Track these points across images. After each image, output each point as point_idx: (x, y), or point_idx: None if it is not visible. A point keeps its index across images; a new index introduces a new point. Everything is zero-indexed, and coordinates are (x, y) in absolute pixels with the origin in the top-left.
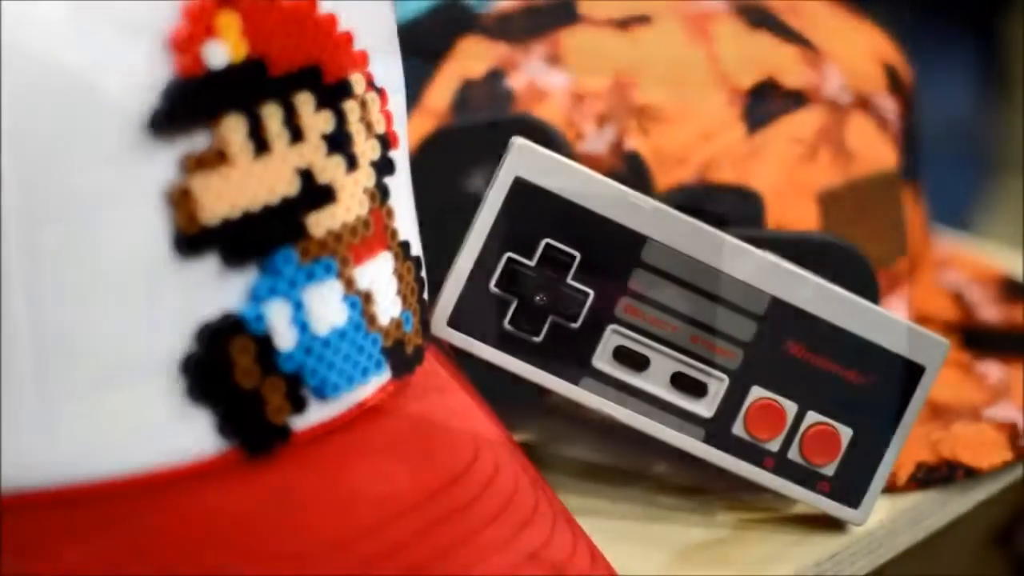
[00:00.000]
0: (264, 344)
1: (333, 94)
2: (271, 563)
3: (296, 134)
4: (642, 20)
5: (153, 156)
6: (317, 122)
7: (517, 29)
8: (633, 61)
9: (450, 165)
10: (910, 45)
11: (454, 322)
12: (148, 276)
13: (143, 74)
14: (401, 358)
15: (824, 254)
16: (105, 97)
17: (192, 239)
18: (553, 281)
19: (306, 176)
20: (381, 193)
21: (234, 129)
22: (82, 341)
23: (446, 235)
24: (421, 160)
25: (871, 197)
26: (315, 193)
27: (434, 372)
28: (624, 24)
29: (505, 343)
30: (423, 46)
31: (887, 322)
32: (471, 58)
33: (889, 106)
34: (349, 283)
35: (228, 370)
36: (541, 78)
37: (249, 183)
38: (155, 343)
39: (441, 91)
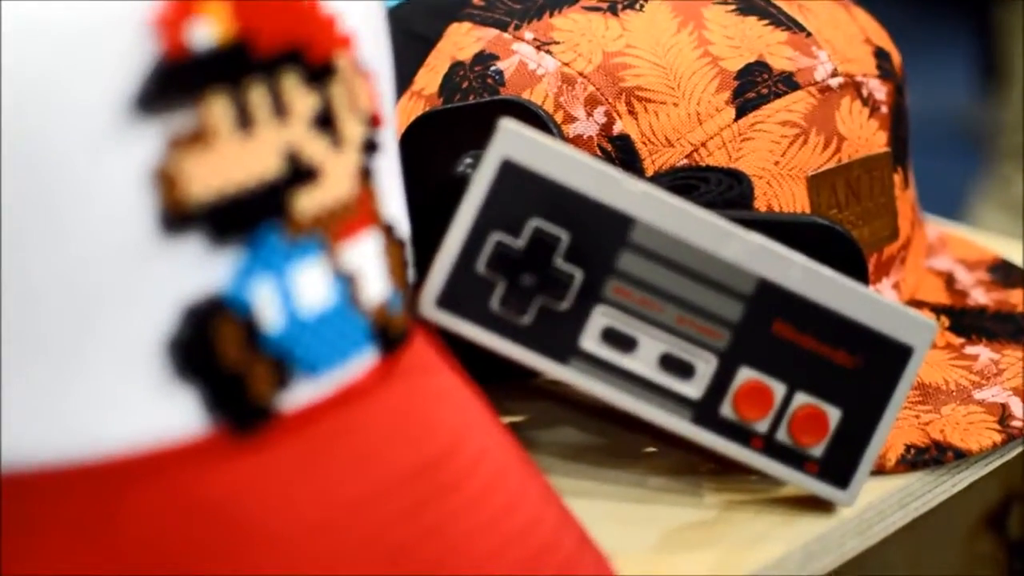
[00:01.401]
0: (250, 324)
1: (318, 75)
2: (257, 542)
3: (281, 114)
4: (632, 4)
5: (139, 136)
6: (302, 103)
7: (507, 12)
8: (623, 45)
9: (439, 147)
10: (906, 34)
11: (442, 303)
12: (134, 255)
13: (128, 54)
14: (388, 338)
15: (813, 236)
16: (91, 77)
17: (178, 218)
18: (541, 262)
19: (291, 156)
20: (367, 174)
21: (219, 109)
22: (66, 319)
23: (434, 217)
24: (410, 142)
25: (861, 180)
26: (300, 172)
27: (422, 353)
28: (613, 8)
29: (492, 324)
30: (414, 30)
31: (875, 303)
32: (461, 41)
33: (879, 90)
34: (335, 263)
35: (213, 349)
36: (531, 61)
37: (235, 162)
38: (140, 322)
39: (431, 74)
